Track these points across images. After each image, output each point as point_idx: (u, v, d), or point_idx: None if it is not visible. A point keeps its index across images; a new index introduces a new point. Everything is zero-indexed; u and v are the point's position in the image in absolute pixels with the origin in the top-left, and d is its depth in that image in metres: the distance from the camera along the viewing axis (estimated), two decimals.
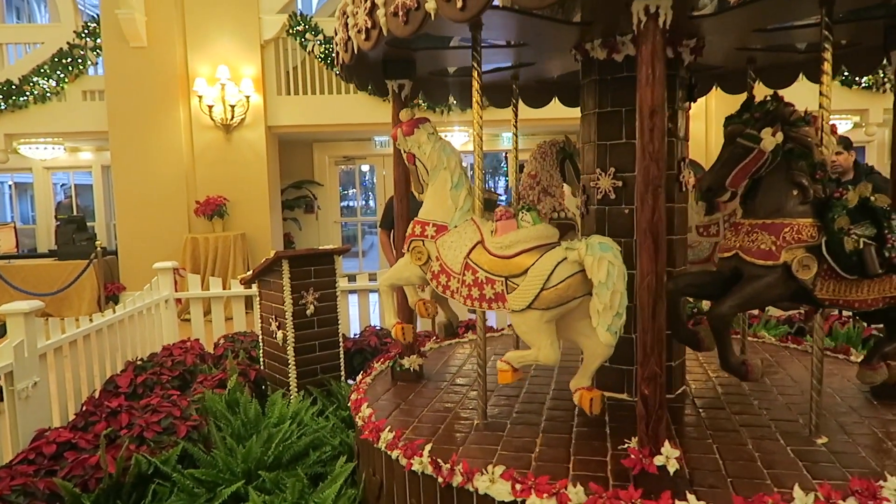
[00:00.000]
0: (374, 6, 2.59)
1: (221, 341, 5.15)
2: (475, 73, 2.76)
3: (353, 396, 3.39)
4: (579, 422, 2.89)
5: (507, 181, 14.47)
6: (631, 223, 3.11)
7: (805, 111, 2.60)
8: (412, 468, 2.58)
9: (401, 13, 2.42)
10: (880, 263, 2.48)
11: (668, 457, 2.16)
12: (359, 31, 2.76)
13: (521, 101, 4.19)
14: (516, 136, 4.09)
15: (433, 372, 3.75)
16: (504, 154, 13.87)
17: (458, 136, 11.59)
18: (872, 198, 2.54)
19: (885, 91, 9.67)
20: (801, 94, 3.19)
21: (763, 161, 2.56)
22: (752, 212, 2.67)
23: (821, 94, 2.59)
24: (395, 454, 2.68)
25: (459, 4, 2.15)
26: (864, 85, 9.65)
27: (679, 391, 3.26)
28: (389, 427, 2.85)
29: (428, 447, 2.60)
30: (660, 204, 2.18)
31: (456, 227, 2.92)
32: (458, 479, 2.41)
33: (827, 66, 2.56)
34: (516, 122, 4.09)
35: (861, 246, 2.47)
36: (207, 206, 9.19)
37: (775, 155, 2.55)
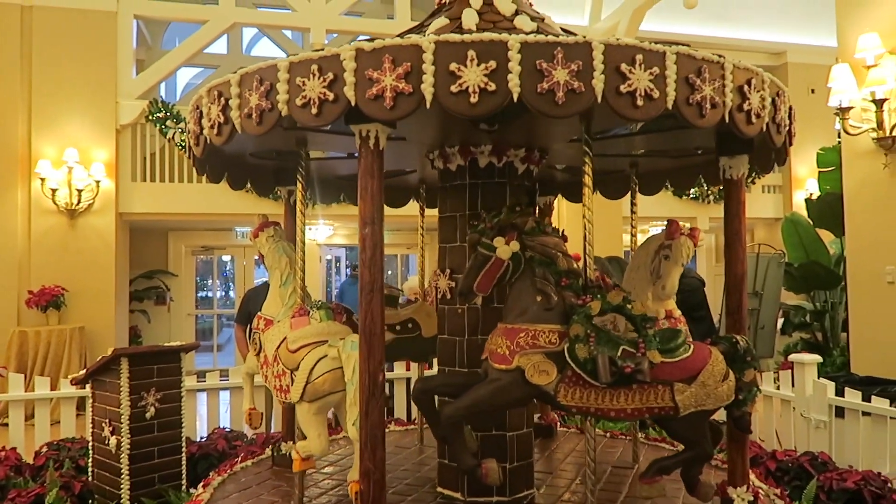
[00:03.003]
0: (272, 89, 2.38)
1: (44, 450, 4.57)
2: (299, 186, 3.06)
3: (210, 476, 3.49)
4: None
5: None
6: (464, 322, 3.20)
7: (542, 221, 2.69)
8: None
9: (312, 106, 2.27)
10: (612, 373, 2.38)
11: None
12: (248, 116, 2.47)
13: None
14: (422, 235, 4.30)
15: (323, 459, 3.74)
16: None
17: (323, 230, 11.58)
18: (629, 306, 2.52)
19: (709, 202, 10.91)
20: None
21: (504, 268, 2.58)
22: (503, 316, 2.69)
23: (584, 205, 2.62)
24: None
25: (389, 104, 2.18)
26: (692, 196, 10.84)
27: (520, 495, 3.16)
28: None
29: None
30: (373, 307, 2.31)
31: (279, 321, 3.10)
32: None
33: (587, 180, 2.58)
34: (422, 221, 4.31)
35: (595, 354, 2.39)
36: (42, 297, 8.35)
37: (517, 262, 2.58)
